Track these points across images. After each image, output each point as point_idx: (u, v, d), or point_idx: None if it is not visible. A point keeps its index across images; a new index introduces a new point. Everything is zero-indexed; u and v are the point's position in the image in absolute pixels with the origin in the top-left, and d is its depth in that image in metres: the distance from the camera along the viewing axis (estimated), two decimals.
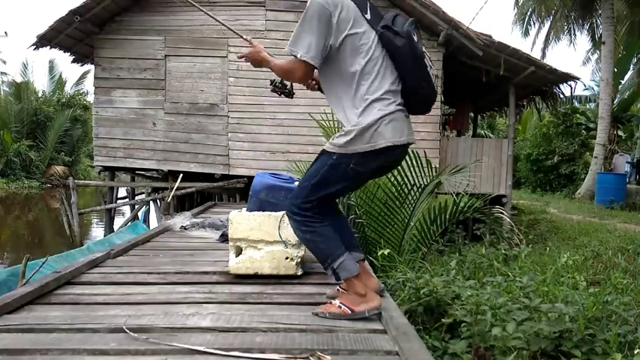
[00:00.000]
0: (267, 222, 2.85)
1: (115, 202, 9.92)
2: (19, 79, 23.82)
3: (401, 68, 2.09)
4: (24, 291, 2.32)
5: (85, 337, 1.87)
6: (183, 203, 9.30)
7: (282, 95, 2.45)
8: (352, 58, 2.01)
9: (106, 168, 9.04)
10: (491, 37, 7.80)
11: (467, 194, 4.71)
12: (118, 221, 10.14)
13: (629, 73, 15.48)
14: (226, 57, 8.38)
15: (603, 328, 2.19)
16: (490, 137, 20.04)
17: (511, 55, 7.92)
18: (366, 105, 2.01)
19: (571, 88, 8.98)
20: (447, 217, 4.39)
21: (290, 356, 1.71)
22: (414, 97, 2.15)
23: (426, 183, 4.31)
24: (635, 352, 1.99)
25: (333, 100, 2.14)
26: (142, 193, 10.24)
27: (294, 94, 2.44)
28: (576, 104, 17.51)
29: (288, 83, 2.41)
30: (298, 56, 1.99)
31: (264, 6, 8.33)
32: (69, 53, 9.41)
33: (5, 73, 25.10)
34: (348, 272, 2.09)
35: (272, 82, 2.43)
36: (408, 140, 2.12)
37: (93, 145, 9.02)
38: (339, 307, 2.10)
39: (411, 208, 4.37)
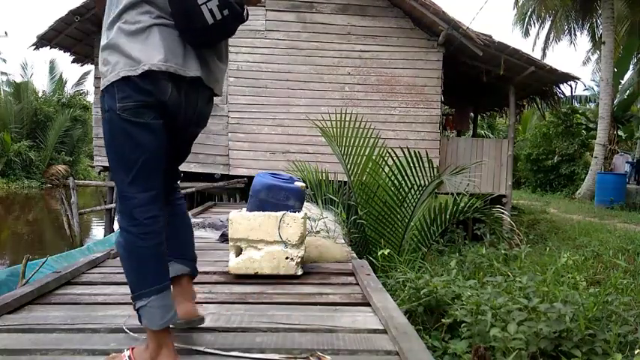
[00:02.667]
0: (267, 222, 2.84)
1: (115, 202, 9.91)
2: (19, 79, 23.84)
3: None
4: (24, 291, 2.31)
5: (85, 337, 1.87)
6: None
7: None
8: None
9: (106, 168, 9.03)
10: (491, 37, 7.80)
11: (467, 194, 4.71)
12: None
13: (629, 73, 15.49)
14: None
15: (603, 328, 2.19)
16: (490, 137, 20.04)
17: (511, 55, 7.92)
18: None
19: (571, 88, 8.99)
20: (447, 217, 4.40)
21: (290, 356, 1.71)
22: None
23: (426, 183, 4.31)
24: (636, 352, 1.99)
25: None
26: None
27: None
28: (576, 104, 17.51)
29: None
30: None
31: (264, 6, 8.33)
32: (69, 53, 9.40)
33: (5, 73, 25.10)
34: (150, 321, 1.58)
35: None
36: None
37: (93, 145, 9.01)
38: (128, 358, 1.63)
39: (412, 208, 4.37)
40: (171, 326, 1.64)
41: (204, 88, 1.68)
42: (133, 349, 1.67)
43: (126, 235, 1.58)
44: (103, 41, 1.59)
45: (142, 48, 1.52)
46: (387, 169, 4.43)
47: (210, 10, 1.51)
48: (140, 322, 1.60)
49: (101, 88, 1.58)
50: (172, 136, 1.68)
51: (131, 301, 1.61)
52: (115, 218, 5.57)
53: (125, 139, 1.54)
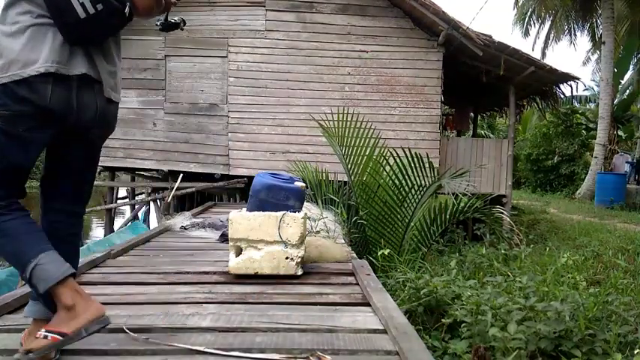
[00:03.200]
0: (267, 222, 2.84)
1: (115, 202, 9.92)
2: None
3: None
4: (24, 291, 2.31)
5: (85, 337, 1.86)
6: (183, 203, 9.29)
7: (174, 29, 2.03)
8: None
9: (105, 168, 9.04)
10: (491, 37, 7.80)
11: (467, 194, 4.72)
12: (118, 221, 10.14)
13: (629, 73, 15.49)
14: (226, 57, 8.38)
15: (603, 328, 2.19)
16: (490, 137, 20.04)
17: (511, 55, 7.92)
18: None
19: (571, 88, 8.99)
20: (447, 217, 4.40)
21: (290, 356, 1.71)
22: None
23: (426, 183, 4.31)
24: (635, 352, 1.99)
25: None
26: (142, 193, 10.24)
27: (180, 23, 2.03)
28: (576, 104, 17.51)
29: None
30: None
31: (264, 6, 8.33)
32: None
33: None
34: (46, 280, 1.51)
35: (160, 23, 1.97)
36: None
37: None
38: (45, 337, 1.52)
39: (412, 208, 4.38)
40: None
41: (100, 87, 1.63)
42: (45, 325, 1.58)
43: None
44: None
45: (21, 50, 1.47)
46: (387, 169, 4.44)
47: (82, 4, 1.47)
48: (37, 290, 1.54)
49: None
50: (72, 140, 1.63)
51: (25, 279, 1.54)
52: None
53: None
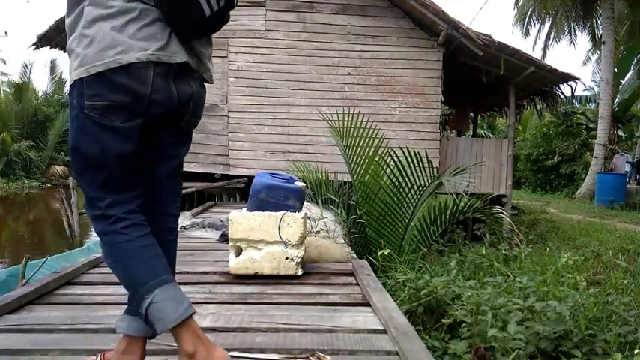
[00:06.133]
0: (267, 222, 2.84)
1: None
2: (19, 80, 23.82)
3: None
4: (24, 291, 2.31)
5: (85, 337, 1.87)
6: (183, 203, 9.29)
7: None
8: None
9: None
10: (491, 37, 7.80)
11: (467, 194, 4.72)
12: None
13: (630, 73, 15.48)
14: (226, 57, 8.38)
15: (603, 328, 2.19)
16: (490, 137, 20.04)
17: (511, 55, 7.91)
18: None
19: (571, 88, 8.99)
20: (447, 217, 4.40)
21: (290, 356, 1.71)
22: None
23: (426, 183, 4.32)
24: (635, 352, 1.99)
25: None
26: None
27: None
28: (576, 104, 17.51)
29: None
30: None
31: (264, 6, 8.33)
32: None
33: (5, 74, 25.10)
34: (164, 321, 1.37)
35: None
36: None
37: None
38: None
39: (412, 208, 4.38)
40: None
41: (195, 74, 1.51)
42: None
43: (105, 238, 1.40)
44: (68, 28, 1.40)
45: (116, 37, 1.32)
46: (387, 169, 4.44)
47: (208, 2, 1.37)
48: (154, 327, 1.38)
49: (69, 83, 1.40)
50: (165, 131, 1.50)
51: (141, 315, 1.39)
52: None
53: (92, 141, 1.36)
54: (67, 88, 26.02)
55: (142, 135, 1.42)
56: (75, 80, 1.35)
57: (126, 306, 1.57)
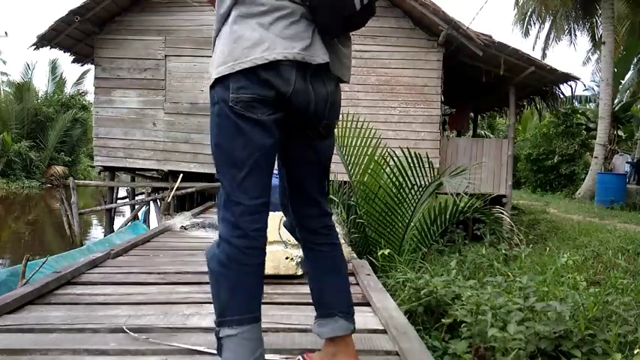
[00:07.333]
0: None
1: (115, 202, 9.92)
2: (19, 80, 23.84)
3: None
4: (24, 291, 2.31)
5: (85, 337, 1.87)
6: (183, 203, 9.30)
7: None
8: None
9: (106, 168, 9.04)
10: (491, 37, 7.80)
11: (467, 194, 4.71)
12: (118, 221, 10.14)
13: (630, 73, 15.48)
14: None
15: (603, 328, 2.19)
16: (490, 137, 20.05)
17: (511, 55, 7.92)
18: None
19: (571, 88, 8.99)
20: (447, 217, 4.39)
21: (290, 356, 1.71)
22: None
23: (426, 183, 4.31)
24: (635, 352, 1.99)
25: None
26: (142, 193, 10.24)
27: None
28: (576, 104, 17.51)
29: None
30: None
31: None
32: (69, 53, 9.42)
33: (6, 74, 25.13)
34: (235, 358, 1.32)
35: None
36: None
37: (93, 145, 9.02)
38: None
39: (412, 209, 4.38)
40: None
41: (331, 75, 1.46)
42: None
43: (227, 248, 1.38)
44: (217, 26, 1.43)
45: (264, 34, 1.33)
46: (387, 169, 4.43)
47: None
48: (219, 353, 1.34)
49: (212, 79, 1.43)
50: (303, 133, 1.49)
51: (215, 326, 1.38)
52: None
53: (235, 134, 1.37)
54: (67, 88, 26.09)
55: (282, 133, 1.43)
56: (221, 77, 1.38)
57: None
